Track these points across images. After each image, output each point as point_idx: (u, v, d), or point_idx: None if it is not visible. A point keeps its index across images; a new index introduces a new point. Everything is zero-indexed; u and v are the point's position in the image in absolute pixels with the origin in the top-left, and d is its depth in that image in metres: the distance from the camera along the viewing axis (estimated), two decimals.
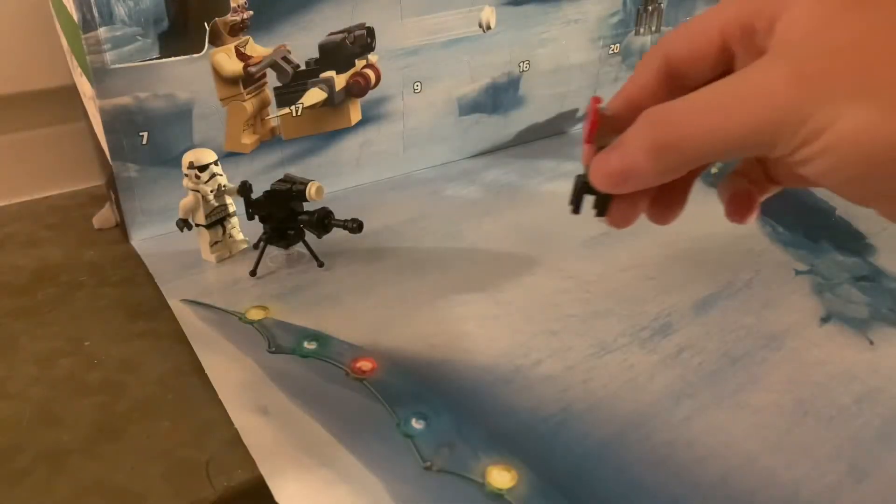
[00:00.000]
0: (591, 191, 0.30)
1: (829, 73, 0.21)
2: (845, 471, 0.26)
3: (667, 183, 0.27)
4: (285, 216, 0.39)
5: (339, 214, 0.39)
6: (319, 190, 0.38)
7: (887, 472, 0.26)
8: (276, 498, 0.26)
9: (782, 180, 0.28)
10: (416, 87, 0.49)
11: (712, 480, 0.26)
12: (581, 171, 0.30)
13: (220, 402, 0.30)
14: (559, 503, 0.25)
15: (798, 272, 0.39)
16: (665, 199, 0.29)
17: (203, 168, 0.38)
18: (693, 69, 0.28)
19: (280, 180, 0.39)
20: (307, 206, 0.39)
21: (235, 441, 0.29)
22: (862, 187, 0.22)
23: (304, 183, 0.38)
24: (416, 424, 0.29)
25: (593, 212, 0.32)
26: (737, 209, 0.29)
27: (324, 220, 0.38)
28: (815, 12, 0.23)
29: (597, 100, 0.29)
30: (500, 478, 0.26)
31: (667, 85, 0.29)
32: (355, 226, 0.38)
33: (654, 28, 0.59)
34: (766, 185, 0.29)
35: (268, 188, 0.39)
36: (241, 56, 0.43)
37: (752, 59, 0.25)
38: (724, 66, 0.27)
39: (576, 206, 0.32)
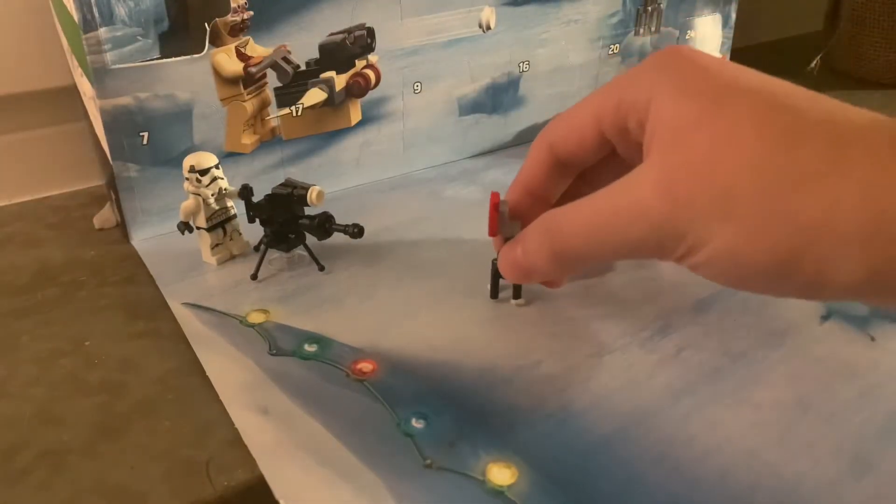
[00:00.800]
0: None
1: (695, 193, 0.23)
2: (847, 465, 0.26)
3: None
4: (286, 220, 0.39)
5: (339, 215, 0.39)
6: (320, 195, 0.38)
7: (890, 467, 0.26)
8: (277, 497, 0.26)
9: None
10: (416, 88, 0.49)
11: (713, 476, 0.26)
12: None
13: (220, 401, 0.30)
14: (559, 499, 0.25)
15: None
16: None
17: (204, 172, 0.38)
18: (577, 157, 0.30)
19: (281, 184, 0.39)
20: (308, 210, 0.39)
21: (236, 441, 0.29)
22: (745, 286, 0.24)
23: (306, 188, 0.38)
24: (417, 424, 0.29)
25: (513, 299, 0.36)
26: None
27: (324, 225, 0.38)
28: (674, 119, 0.24)
29: (495, 196, 0.33)
30: (501, 475, 0.26)
31: (556, 171, 0.31)
32: (356, 231, 0.38)
33: (653, 28, 0.59)
34: None
35: (268, 188, 0.39)
36: (242, 56, 0.43)
37: (630, 148, 0.27)
38: (606, 150, 0.29)
39: (493, 291, 0.35)
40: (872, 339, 0.33)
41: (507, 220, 0.33)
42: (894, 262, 0.20)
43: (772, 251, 0.22)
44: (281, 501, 0.25)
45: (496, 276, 0.36)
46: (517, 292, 0.37)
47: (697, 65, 0.25)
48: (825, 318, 0.35)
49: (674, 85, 0.25)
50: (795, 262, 0.22)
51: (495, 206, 0.32)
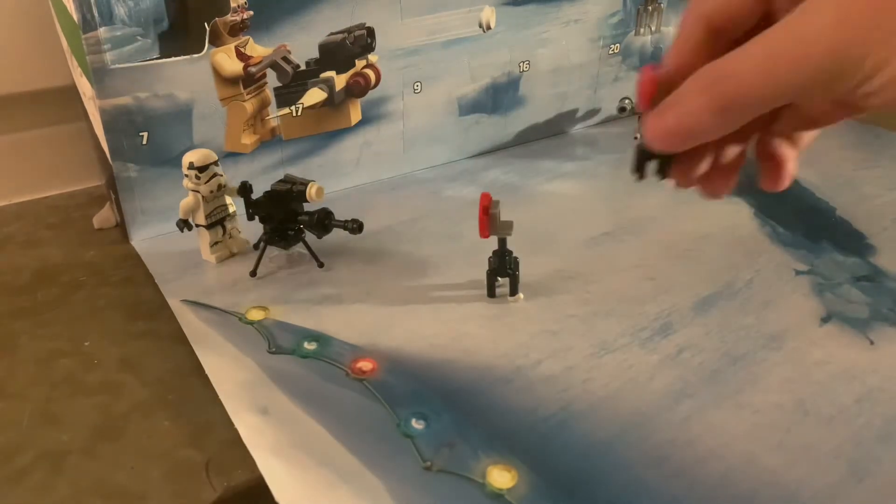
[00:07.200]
0: (651, 156, 0.30)
1: (872, 18, 0.23)
2: (846, 470, 0.26)
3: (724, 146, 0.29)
4: (285, 217, 0.39)
5: (339, 215, 0.39)
6: (320, 191, 0.38)
7: (888, 472, 0.26)
8: (276, 498, 0.26)
9: (820, 119, 0.29)
10: (416, 87, 0.49)
11: (713, 480, 0.26)
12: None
13: (220, 402, 0.30)
14: (559, 503, 0.25)
15: (798, 272, 0.39)
16: (721, 168, 0.30)
17: (203, 168, 0.38)
18: (733, 23, 0.28)
19: (280, 181, 0.39)
20: (307, 207, 0.39)
21: (235, 441, 0.29)
22: None
23: (305, 184, 0.38)
24: (416, 425, 0.29)
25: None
26: (771, 174, 0.30)
27: (324, 221, 0.38)
28: None
29: (485, 197, 0.33)
30: (501, 478, 0.26)
31: (709, 43, 0.29)
32: (355, 226, 0.38)
33: (654, 28, 0.59)
34: (796, 138, 0.30)
35: (268, 188, 0.39)
36: (241, 56, 0.43)
37: (789, 3, 0.26)
38: (761, 14, 0.28)
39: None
40: (871, 342, 0.33)
41: (498, 220, 0.33)
42: None
43: None
44: (280, 502, 0.25)
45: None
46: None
47: None
48: (825, 320, 0.35)
49: None
50: None
51: (485, 208, 0.33)
